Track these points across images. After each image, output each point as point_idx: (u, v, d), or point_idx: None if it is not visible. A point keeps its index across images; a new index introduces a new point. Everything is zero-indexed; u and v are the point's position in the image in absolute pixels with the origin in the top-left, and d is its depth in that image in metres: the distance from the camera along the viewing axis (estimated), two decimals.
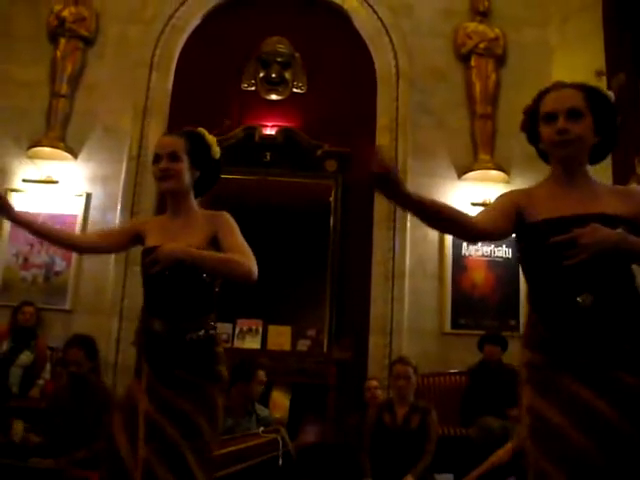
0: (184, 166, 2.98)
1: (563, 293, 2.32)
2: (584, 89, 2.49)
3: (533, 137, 2.57)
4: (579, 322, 2.28)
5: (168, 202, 3.08)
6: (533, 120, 2.55)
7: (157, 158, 3.01)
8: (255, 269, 2.79)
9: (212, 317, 2.93)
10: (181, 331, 2.82)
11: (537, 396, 2.33)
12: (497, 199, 2.60)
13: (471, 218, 2.47)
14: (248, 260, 2.80)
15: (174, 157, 2.97)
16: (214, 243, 2.94)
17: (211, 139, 3.12)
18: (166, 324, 2.82)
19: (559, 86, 2.53)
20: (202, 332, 2.85)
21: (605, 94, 2.55)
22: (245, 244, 2.90)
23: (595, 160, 2.57)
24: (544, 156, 2.62)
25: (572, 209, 2.37)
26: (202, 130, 3.12)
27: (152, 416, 2.70)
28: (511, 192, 2.65)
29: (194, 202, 3.09)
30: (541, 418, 2.27)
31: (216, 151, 3.12)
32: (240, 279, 2.76)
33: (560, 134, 2.41)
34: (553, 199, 2.46)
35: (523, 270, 2.52)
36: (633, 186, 2.51)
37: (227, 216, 3.10)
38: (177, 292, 2.83)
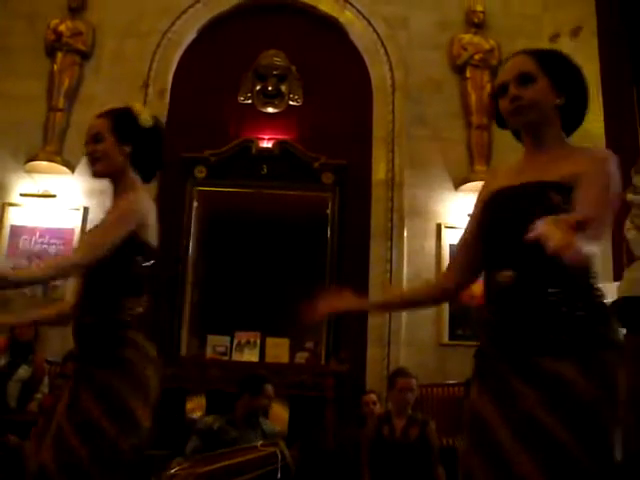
0: (109, 145, 2.89)
1: (488, 270, 2.27)
2: (533, 52, 2.41)
3: (501, 120, 2.46)
4: (500, 302, 2.20)
5: (112, 186, 3.01)
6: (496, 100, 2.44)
7: (86, 144, 2.96)
8: (80, 260, 2.71)
9: (123, 301, 2.84)
10: (82, 316, 2.82)
11: (475, 385, 2.26)
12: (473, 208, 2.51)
13: (437, 286, 2.55)
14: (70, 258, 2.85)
15: (97, 139, 2.90)
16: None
17: (139, 109, 3.00)
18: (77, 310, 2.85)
19: (511, 57, 2.45)
20: (92, 317, 2.79)
21: (557, 52, 2.47)
22: (104, 234, 2.79)
23: (572, 125, 2.45)
24: (517, 133, 2.50)
25: (517, 180, 2.29)
26: (131, 103, 3.03)
27: (61, 420, 2.66)
28: (482, 187, 2.52)
29: (134, 179, 2.97)
30: (472, 409, 2.20)
31: (145, 119, 2.97)
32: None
33: (513, 101, 2.32)
34: (513, 171, 2.38)
35: None
36: (595, 149, 2.34)
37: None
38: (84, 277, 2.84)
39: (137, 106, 3.00)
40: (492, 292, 2.24)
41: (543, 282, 2.12)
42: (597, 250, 1.90)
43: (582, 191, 2.10)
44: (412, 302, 2.69)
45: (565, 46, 7.83)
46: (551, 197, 2.15)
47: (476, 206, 2.45)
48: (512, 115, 2.34)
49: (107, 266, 2.73)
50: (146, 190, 3.01)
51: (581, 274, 2.11)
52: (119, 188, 2.95)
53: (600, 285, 2.20)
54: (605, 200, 2.11)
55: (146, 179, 3.04)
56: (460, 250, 2.52)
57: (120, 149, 2.90)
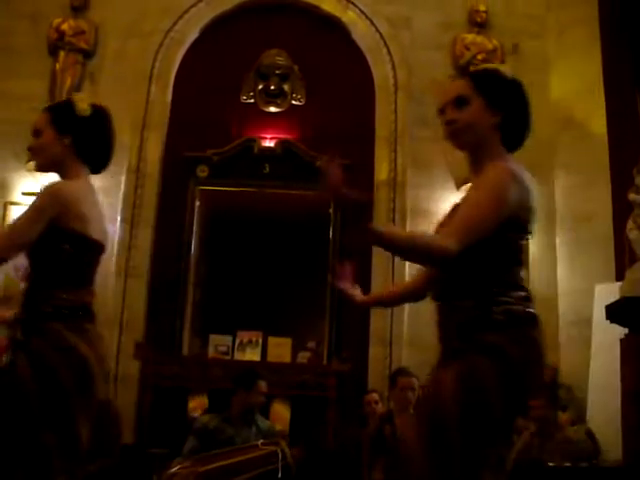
0: (46, 139, 2.89)
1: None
2: (469, 74, 2.51)
3: None
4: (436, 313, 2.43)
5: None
6: None
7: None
8: None
9: (54, 291, 2.75)
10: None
11: None
12: None
13: (415, 283, 2.79)
14: None
15: (36, 133, 2.91)
16: None
17: (77, 98, 2.97)
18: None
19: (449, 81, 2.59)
20: (21, 308, 2.78)
21: (493, 71, 2.51)
22: (20, 224, 2.78)
23: (515, 142, 2.51)
24: None
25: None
26: (75, 95, 3.08)
27: None
28: None
29: (79, 169, 2.98)
30: None
31: (82, 108, 2.92)
32: None
33: (448, 124, 2.41)
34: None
35: None
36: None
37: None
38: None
39: (76, 96, 3.02)
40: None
41: (453, 293, 2.36)
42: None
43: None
44: (398, 299, 2.81)
45: (568, 46, 7.84)
46: None
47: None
48: (449, 138, 2.44)
49: (34, 256, 2.76)
50: (89, 179, 3.01)
51: (483, 285, 2.27)
52: (68, 176, 2.95)
53: (517, 294, 2.29)
54: (467, 215, 2.28)
55: (95, 170, 3.06)
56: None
57: (60, 141, 2.89)
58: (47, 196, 2.77)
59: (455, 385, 2.15)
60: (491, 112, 2.38)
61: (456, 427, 2.10)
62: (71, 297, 2.74)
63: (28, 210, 2.74)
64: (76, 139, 2.91)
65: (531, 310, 2.29)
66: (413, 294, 2.89)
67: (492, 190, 2.29)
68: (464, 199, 2.40)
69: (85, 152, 2.96)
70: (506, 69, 2.49)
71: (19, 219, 2.74)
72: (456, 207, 2.41)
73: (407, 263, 7.29)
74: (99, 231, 2.88)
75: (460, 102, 2.39)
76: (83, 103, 2.92)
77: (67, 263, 2.77)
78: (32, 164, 2.99)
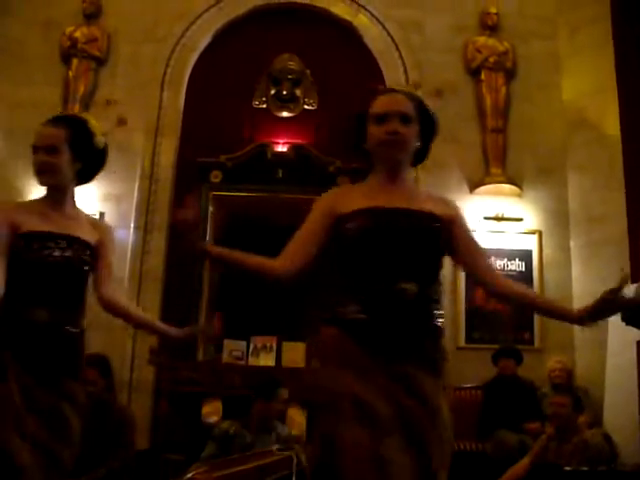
0: (64, 159, 2.85)
1: (386, 281, 2.43)
2: (414, 98, 2.64)
3: (357, 136, 2.69)
4: (399, 311, 2.41)
5: (47, 191, 2.95)
6: (360, 121, 2.65)
7: (35, 149, 2.91)
8: None
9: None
10: (61, 322, 2.77)
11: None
12: (310, 213, 2.76)
13: (272, 264, 2.74)
14: None
15: (53, 150, 2.85)
16: (96, 249, 2.89)
17: (94, 126, 2.96)
18: (53, 313, 2.75)
19: (390, 91, 2.68)
20: (78, 326, 2.80)
21: (428, 107, 2.72)
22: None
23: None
24: (366, 155, 2.69)
25: (392, 203, 2.49)
26: (86, 117, 2.99)
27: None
28: (326, 195, 2.84)
29: (74, 194, 2.97)
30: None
31: (99, 141, 2.95)
32: None
33: (390, 134, 2.51)
34: (373, 193, 2.57)
35: (338, 257, 2.61)
36: (445, 197, 2.55)
37: (112, 231, 3.07)
38: (66, 279, 2.81)
39: (93, 123, 2.97)
40: (382, 298, 2.41)
41: (431, 298, 2.53)
42: None
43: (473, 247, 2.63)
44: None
45: (579, 47, 7.81)
46: (435, 224, 2.49)
47: (324, 215, 2.69)
48: (385, 145, 2.55)
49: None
50: None
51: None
52: (64, 197, 2.92)
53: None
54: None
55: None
56: (301, 243, 2.73)
57: (72, 165, 2.88)
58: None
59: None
60: (419, 138, 2.63)
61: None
62: None
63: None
64: (85, 168, 2.93)
65: None
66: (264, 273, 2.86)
67: None
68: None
69: (83, 179, 3.00)
70: (432, 112, 2.77)
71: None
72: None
73: None
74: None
75: (406, 119, 2.55)
76: (99, 134, 2.94)
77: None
78: (42, 180, 2.91)
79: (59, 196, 2.90)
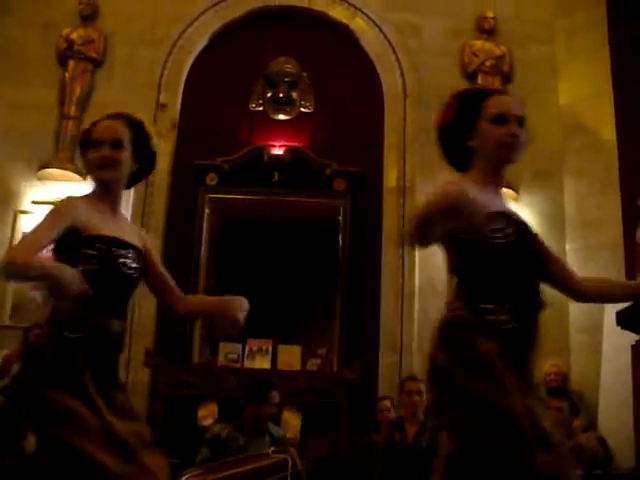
0: (127, 157, 2.76)
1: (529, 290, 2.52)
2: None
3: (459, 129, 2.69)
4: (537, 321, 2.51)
5: (101, 189, 2.79)
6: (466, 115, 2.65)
7: (97, 143, 2.75)
8: None
9: None
10: (124, 333, 2.77)
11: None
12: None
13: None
14: None
15: (118, 144, 2.74)
16: (146, 257, 2.87)
17: (150, 129, 2.90)
18: (122, 324, 2.74)
19: (505, 92, 2.75)
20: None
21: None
22: None
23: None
24: (464, 149, 2.70)
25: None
26: (142, 118, 2.93)
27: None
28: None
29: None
30: None
31: (156, 144, 2.91)
32: None
33: (511, 137, 2.50)
34: (489, 194, 2.53)
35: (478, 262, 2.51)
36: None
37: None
38: (133, 291, 2.82)
39: (151, 128, 2.92)
40: (528, 307, 2.49)
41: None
42: None
43: None
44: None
45: (576, 51, 7.83)
46: None
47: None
48: (505, 148, 2.52)
49: None
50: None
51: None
52: (118, 199, 2.85)
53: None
54: None
55: None
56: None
57: (132, 164, 2.81)
58: None
59: None
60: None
61: None
62: None
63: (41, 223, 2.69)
64: (140, 170, 2.88)
65: None
66: None
67: None
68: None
69: (132, 182, 2.94)
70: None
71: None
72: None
73: (417, 268, 7.30)
74: None
75: (522, 122, 2.52)
76: (155, 139, 2.91)
77: None
78: (105, 174, 2.76)
79: (113, 196, 2.81)
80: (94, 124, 2.87)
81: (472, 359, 2.24)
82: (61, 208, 2.71)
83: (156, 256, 2.96)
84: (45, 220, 2.63)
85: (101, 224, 2.67)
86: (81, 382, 2.50)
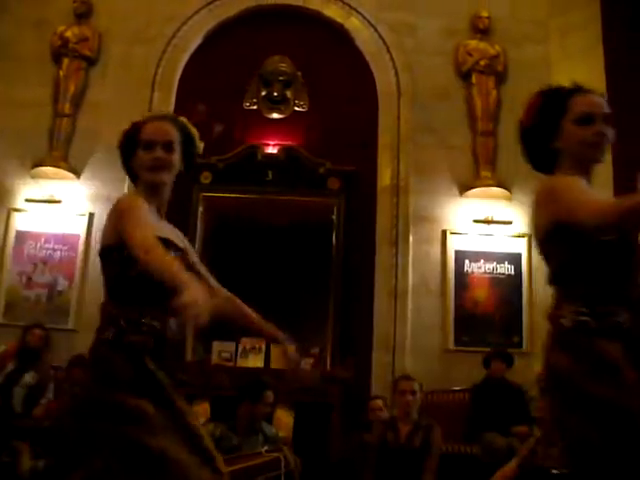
0: (177, 159, 2.75)
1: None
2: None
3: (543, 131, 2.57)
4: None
5: (149, 192, 2.71)
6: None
7: (150, 145, 2.70)
8: None
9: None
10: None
11: None
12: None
13: None
14: None
15: (170, 147, 2.72)
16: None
17: (194, 131, 2.91)
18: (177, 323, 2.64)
19: (593, 92, 2.61)
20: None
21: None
22: None
23: None
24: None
25: None
26: (185, 120, 2.91)
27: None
28: None
29: None
30: None
31: (200, 146, 2.93)
32: None
33: (598, 136, 2.47)
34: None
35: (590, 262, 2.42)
36: None
37: None
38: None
39: (191, 127, 2.91)
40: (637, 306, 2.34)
41: None
42: None
43: None
44: None
45: (570, 51, 7.83)
46: None
47: None
48: (592, 147, 2.48)
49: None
50: None
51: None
52: (166, 200, 2.79)
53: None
54: None
55: None
56: None
57: (180, 165, 2.79)
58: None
59: None
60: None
61: None
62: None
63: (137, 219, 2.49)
64: (182, 171, 2.83)
65: None
66: None
67: None
68: None
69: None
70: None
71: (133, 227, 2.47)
72: None
73: (410, 267, 7.30)
74: None
75: (608, 119, 2.51)
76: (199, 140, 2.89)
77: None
78: (160, 177, 2.70)
79: (162, 198, 2.77)
80: (139, 124, 2.80)
81: (600, 364, 2.21)
82: (139, 206, 2.57)
83: (195, 256, 2.87)
84: (135, 218, 2.49)
85: (157, 226, 2.61)
86: (157, 384, 2.49)
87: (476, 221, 7.43)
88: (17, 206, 7.43)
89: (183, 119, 2.92)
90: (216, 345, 7.01)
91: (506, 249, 7.44)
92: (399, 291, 7.27)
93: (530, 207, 2.60)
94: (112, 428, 2.38)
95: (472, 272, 7.38)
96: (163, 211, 2.79)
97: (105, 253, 2.61)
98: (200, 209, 7.57)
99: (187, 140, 2.84)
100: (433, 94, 7.87)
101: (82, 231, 7.31)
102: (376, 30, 8.06)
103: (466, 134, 7.77)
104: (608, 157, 7.26)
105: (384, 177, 7.67)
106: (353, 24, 8.11)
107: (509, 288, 7.32)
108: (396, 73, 7.94)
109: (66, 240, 7.31)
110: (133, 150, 2.75)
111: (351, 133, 7.80)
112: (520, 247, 7.41)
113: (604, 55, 7.49)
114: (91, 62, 7.94)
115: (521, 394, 6.40)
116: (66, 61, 7.85)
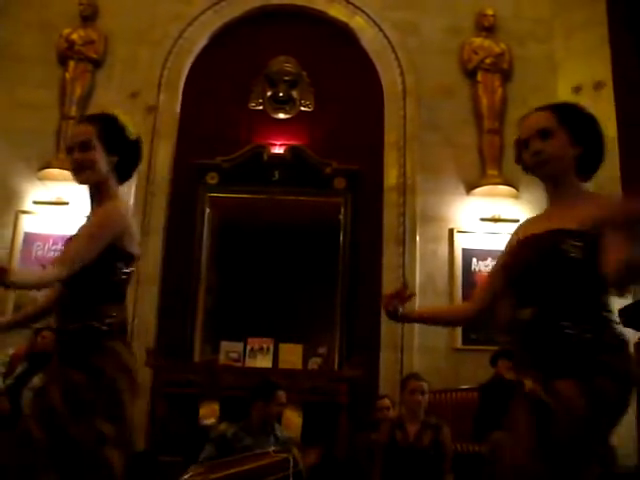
0: (98, 154, 2.83)
1: (515, 306, 2.48)
2: (551, 108, 2.56)
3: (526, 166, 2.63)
4: (520, 333, 2.45)
5: (89, 190, 2.93)
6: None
7: (69, 149, 2.88)
8: (62, 273, 2.61)
9: (103, 308, 2.79)
10: (64, 323, 2.80)
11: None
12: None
13: (464, 310, 2.86)
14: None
15: (86, 146, 2.82)
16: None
17: (124, 120, 2.94)
18: None
19: (530, 113, 2.61)
20: (74, 325, 2.76)
21: (575, 105, 2.61)
22: (86, 244, 2.74)
23: (588, 171, 2.59)
24: None
25: (542, 227, 2.45)
26: (115, 112, 2.97)
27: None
28: (513, 234, 2.69)
29: (116, 187, 2.95)
30: None
31: (131, 132, 2.94)
32: None
33: (534, 156, 2.50)
34: (540, 220, 2.57)
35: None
36: (600, 194, 2.52)
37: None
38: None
39: (121, 117, 2.96)
40: (515, 325, 2.46)
41: (557, 317, 2.33)
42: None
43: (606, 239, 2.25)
44: (434, 320, 3.25)
45: (575, 49, 7.82)
46: (565, 244, 2.34)
47: (504, 251, 2.65)
48: (534, 168, 2.53)
49: (88, 273, 2.69)
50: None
51: (592, 308, 2.34)
52: (100, 196, 2.90)
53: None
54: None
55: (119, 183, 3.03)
56: (487, 283, 2.75)
57: (108, 158, 2.87)
58: (111, 218, 2.80)
59: (585, 402, 2.29)
60: (573, 145, 2.49)
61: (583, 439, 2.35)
62: (118, 314, 2.81)
63: (92, 231, 2.76)
64: (121, 161, 2.92)
65: None
66: (456, 319, 3.19)
67: None
68: None
69: (123, 173, 2.99)
70: (583, 107, 2.60)
71: (84, 239, 2.73)
72: None
73: (417, 266, 7.30)
74: (136, 246, 2.92)
75: (545, 134, 2.49)
76: (130, 126, 2.94)
77: (118, 280, 2.83)
78: (80, 178, 2.88)
79: (100, 194, 2.90)
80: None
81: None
82: (109, 225, 2.83)
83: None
84: (96, 234, 2.79)
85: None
86: None
87: (483, 219, 7.42)
88: (25, 208, 7.45)
89: (103, 113, 2.98)
90: (224, 345, 7.01)
91: None
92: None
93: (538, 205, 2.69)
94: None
95: (479, 270, 7.37)
96: (96, 207, 2.91)
97: None
98: (207, 209, 7.58)
99: (109, 130, 2.89)
100: (439, 92, 7.88)
101: None
102: (381, 29, 8.06)
103: (472, 132, 7.77)
104: (615, 156, 7.23)
105: (390, 176, 7.66)
106: (358, 23, 8.11)
107: None
108: (401, 72, 7.94)
109: None
110: None
111: (357, 132, 7.80)
112: None
113: (611, 53, 7.48)
114: (97, 64, 7.96)
115: None
116: (72, 63, 7.88)
